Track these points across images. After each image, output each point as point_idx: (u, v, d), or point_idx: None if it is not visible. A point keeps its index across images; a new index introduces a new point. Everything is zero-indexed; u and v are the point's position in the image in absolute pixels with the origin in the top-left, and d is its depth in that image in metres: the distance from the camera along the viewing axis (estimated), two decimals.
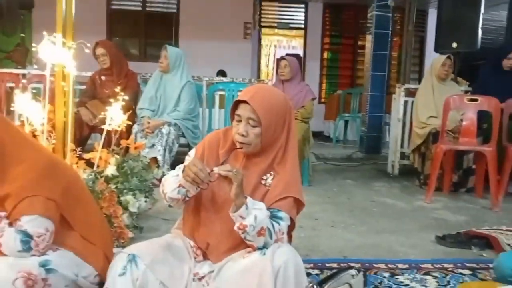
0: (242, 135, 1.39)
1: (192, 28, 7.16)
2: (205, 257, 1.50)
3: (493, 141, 3.28)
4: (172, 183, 1.41)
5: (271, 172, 1.45)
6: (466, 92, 4.34)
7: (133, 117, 3.46)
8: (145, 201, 2.28)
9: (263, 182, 1.45)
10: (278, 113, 1.43)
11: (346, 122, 7.43)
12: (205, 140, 1.55)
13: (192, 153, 1.54)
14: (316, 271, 1.87)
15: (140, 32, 7.46)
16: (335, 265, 1.96)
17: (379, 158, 5.38)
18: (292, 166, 1.47)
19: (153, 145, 3.32)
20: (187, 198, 1.41)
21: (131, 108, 3.61)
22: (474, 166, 3.64)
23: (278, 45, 9.24)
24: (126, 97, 2.38)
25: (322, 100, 8.40)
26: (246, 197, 1.30)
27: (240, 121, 1.40)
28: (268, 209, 1.39)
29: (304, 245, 2.26)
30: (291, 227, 1.48)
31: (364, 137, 5.76)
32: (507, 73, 3.81)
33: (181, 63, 3.56)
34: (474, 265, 2.03)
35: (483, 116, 3.53)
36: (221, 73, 6.50)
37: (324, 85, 8.58)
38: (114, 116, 2.30)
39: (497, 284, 1.65)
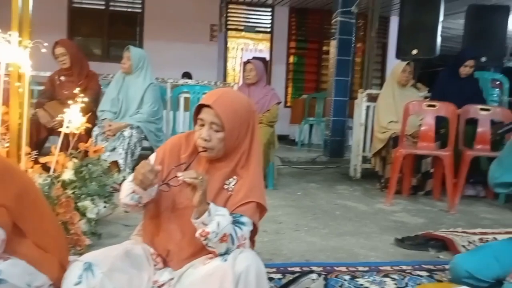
0: (205, 140, 1.37)
1: (157, 29, 7.07)
2: (166, 264, 1.47)
3: (450, 146, 3.41)
4: (126, 188, 1.38)
5: (234, 177, 1.44)
6: (426, 97, 4.49)
7: (93, 119, 3.37)
8: (104, 207, 2.22)
9: (225, 186, 1.44)
10: (242, 117, 1.42)
11: (311, 126, 7.53)
12: (166, 144, 1.52)
13: (152, 157, 1.51)
14: (279, 276, 1.87)
15: (103, 31, 7.29)
16: (297, 269, 1.96)
17: (342, 162, 5.48)
18: (255, 170, 1.46)
19: (114, 149, 3.23)
20: (140, 205, 1.38)
21: (91, 110, 3.51)
22: (432, 170, 3.77)
23: (245, 48, 9.25)
24: (86, 99, 2.31)
25: (288, 104, 8.49)
26: (208, 203, 1.28)
27: (203, 125, 1.38)
28: (230, 214, 1.38)
29: (267, 249, 2.26)
30: (253, 232, 1.47)
31: (328, 141, 5.85)
32: (464, 80, 3.96)
33: (144, 65, 3.49)
34: (431, 267, 2.09)
35: (441, 122, 3.66)
36: (186, 75, 6.44)
37: (290, 89, 8.68)
38: (73, 118, 2.22)
39: (452, 285, 1.70)
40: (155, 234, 1.45)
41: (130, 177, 1.40)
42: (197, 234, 1.28)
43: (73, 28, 7.15)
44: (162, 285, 1.42)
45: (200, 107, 1.40)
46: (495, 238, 2.49)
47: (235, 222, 1.36)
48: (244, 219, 1.37)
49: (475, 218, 3.15)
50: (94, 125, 3.35)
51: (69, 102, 2.31)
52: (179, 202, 1.42)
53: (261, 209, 1.47)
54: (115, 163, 3.17)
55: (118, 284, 1.35)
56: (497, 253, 1.77)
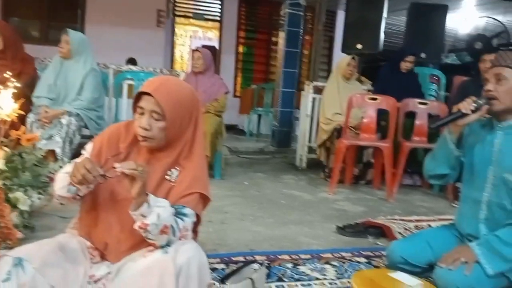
0: (145, 129, 1.32)
1: (100, 12, 6.75)
2: (103, 258, 1.41)
3: (390, 137, 3.56)
4: (62, 180, 1.31)
5: (177, 167, 1.41)
6: (369, 91, 4.65)
7: (28, 106, 3.16)
8: (39, 198, 2.09)
9: (167, 177, 1.40)
10: (185, 107, 1.38)
11: (260, 116, 7.58)
12: (104, 133, 1.45)
13: (88, 146, 1.43)
14: (222, 266, 1.87)
15: (42, 13, 6.86)
16: (241, 258, 1.97)
17: (289, 152, 5.56)
18: (198, 160, 1.44)
19: (51, 137, 3.06)
20: (78, 197, 1.32)
21: (26, 96, 3.30)
22: (372, 160, 3.92)
23: (193, 35, 9.08)
24: (19, 84, 2.16)
25: (237, 94, 8.47)
26: (147, 195, 1.24)
27: (143, 113, 1.33)
28: (172, 205, 1.35)
29: (211, 239, 2.25)
30: (196, 223, 1.45)
31: (276, 131, 5.92)
32: (404, 75, 4.13)
33: (84, 49, 3.31)
34: (369, 253, 2.18)
35: (382, 114, 3.80)
36: (131, 61, 6.21)
37: (239, 79, 8.65)
38: (4, 104, 2.07)
39: (388, 270, 1.78)
40: (92, 227, 1.39)
41: (66, 168, 1.33)
42: (135, 226, 1.23)
43: (9, 8, 6.65)
44: (99, 279, 1.37)
45: (140, 95, 1.34)
46: (429, 225, 2.64)
47: (177, 214, 1.33)
48: (187, 210, 1.35)
49: (411, 206, 3.32)
50: (29, 111, 3.14)
51: (0, 87, 2.15)
52: (117, 193, 1.37)
53: (205, 200, 1.45)
54: (52, 152, 3.00)
55: (51, 279, 1.29)
56: (430, 240, 1.87)
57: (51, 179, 2.35)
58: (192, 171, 1.40)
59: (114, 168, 1.20)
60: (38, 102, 3.23)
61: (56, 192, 1.32)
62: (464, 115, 1.71)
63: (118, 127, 1.46)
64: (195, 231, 1.53)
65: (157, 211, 1.23)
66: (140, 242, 1.34)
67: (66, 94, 3.26)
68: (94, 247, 1.41)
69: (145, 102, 1.32)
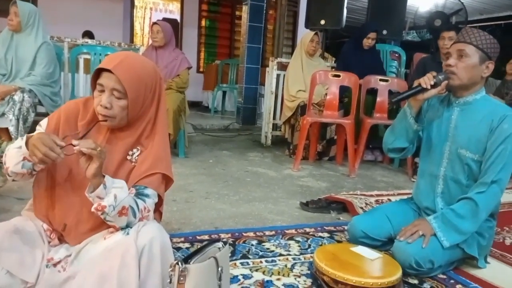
0: (106, 108, 1.26)
1: None
2: (62, 240, 1.37)
3: (352, 114, 3.61)
4: (14, 155, 1.23)
5: (138, 147, 1.37)
6: (333, 67, 4.68)
7: None
8: None
9: (129, 157, 1.36)
10: (147, 84, 1.33)
11: (224, 92, 7.50)
12: (60, 109, 1.37)
13: (44, 123, 1.35)
14: (187, 245, 1.86)
15: None
16: (206, 237, 1.97)
17: (254, 129, 5.56)
18: (161, 140, 1.40)
19: (3, 114, 2.89)
20: (34, 172, 1.24)
21: None
22: (335, 137, 3.98)
23: (154, 8, 8.77)
24: None
25: (201, 69, 8.32)
26: (104, 176, 1.19)
27: (103, 91, 1.27)
28: (134, 186, 1.31)
29: (176, 218, 2.23)
30: (159, 204, 1.42)
31: (241, 108, 5.89)
32: (367, 52, 4.16)
33: (35, 21, 3.10)
34: (332, 228, 2.23)
35: (344, 91, 3.84)
36: (87, 34, 5.94)
37: (202, 54, 8.49)
38: None
39: (350, 245, 1.83)
40: (50, 208, 1.34)
41: (17, 143, 1.25)
42: (93, 209, 1.20)
43: None
44: (58, 262, 1.33)
45: (100, 71, 1.28)
46: (389, 200, 2.72)
47: (139, 195, 1.30)
48: (149, 191, 1.32)
49: (372, 181, 3.41)
50: None
51: None
52: (76, 172, 1.32)
53: (167, 180, 1.42)
54: (4, 130, 2.85)
55: (7, 264, 1.24)
56: (389, 214, 1.93)
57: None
58: (154, 151, 1.37)
59: (72, 145, 1.15)
60: None
61: (9, 169, 1.24)
62: (423, 89, 1.75)
63: (76, 104, 1.39)
64: (158, 211, 1.50)
65: (113, 192, 1.19)
66: (100, 224, 1.31)
67: (18, 70, 3.07)
68: (51, 230, 1.36)
69: (105, 79, 1.26)
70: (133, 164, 1.36)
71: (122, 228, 1.30)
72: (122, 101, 1.27)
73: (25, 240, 1.30)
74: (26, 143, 1.20)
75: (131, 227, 1.26)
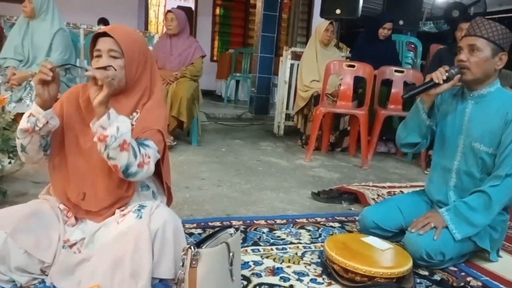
0: (105, 68, 1.32)
1: None
2: (78, 219, 1.40)
3: (366, 105, 3.58)
4: (23, 117, 1.31)
5: (138, 111, 1.43)
6: (347, 57, 4.63)
7: None
8: (9, 163, 2.03)
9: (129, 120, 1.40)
10: (140, 47, 1.41)
11: (238, 82, 7.49)
12: (63, 95, 1.44)
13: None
14: (199, 231, 1.88)
15: None
16: (217, 223, 2.00)
17: (267, 119, 5.56)
18: (158, 105, 1.45)
19: (20, 99, 2.94)
20: (37, 128, 1.28)
21: None
22: (349, 128, 3.96)
23: None
24: None
25: (214, 58, 8.31)
26: (109, 109, 1.24)
27: (100, 56, 1.34)
28: (135, 139, 1.34)
29: (188, 205, 2.26)
30: (159, 169, 1.45)
31: (254, 97, 5.88)
32: (382, 42, 4.12)
33: (49, 7, 3.11)
34: (343, 218, 2.23)
35: (359, 81, 3.81)
36: (103, 21, 5.97)
37: (216, 43, 8.47)
38: None
39: (361, 235, 1.83)
40: (66, 182, 1.40)
41: (28, 112, 1.32)
42: (95, 138, 1.23)
43: None
44: (74, 244, 1.37)
45: (95, 40, 1.36)
46: (401, 192, 2.70)
47: (139, 144, 1.33)
48: (149, 142, 1.36)
49: (385, 173, 3.39)
50: None
51: None
52: (83, 142, 1.39)
53: (165, 145, 1.45)
54: (22, 115, 2.89)
55: (25, 244, 1.29)
56: (401, 205, 1.93)
57: None
58: (153, 112, 1.42)
59: (87, 70, 1.23)
60: (5, 63, 3.08)
61: (19, 128, 1.31)
62: (436, 84, 1.73)
63: (75, 88, 1.48)
64: (168, 191, 1.54)
65: (116, 125, 1.23)
66: (117, 186, 1.36)
67: (35, 56, 3.11)
68: (68, 209, 1.40)
69: (101, 44, 1.34)
70: (132, 126, 1.39)
71: (134, 211, 1.34)
72: (119, 60, 1.35)
73: (42, 222, 1.35)
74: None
75: (130, 171, 1.27)
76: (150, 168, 1.32)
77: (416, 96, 1.82)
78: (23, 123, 1.29)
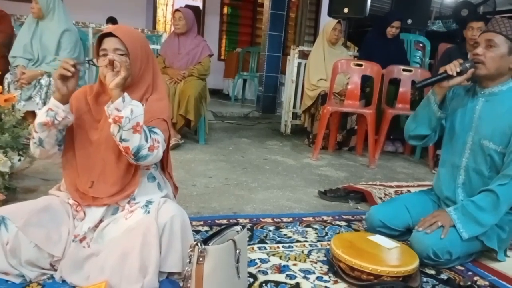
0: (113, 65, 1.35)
1: None
2: (89, 204, 1.42)
3: (373, 104, 3.57)
4: (41, 112, 1.35)
5: (143, 103, 1.44)
6: (355, 56, 4.62)
7: (5, 65, 3.06)
8: (20, 160, 2.06)
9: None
10: (142, 46, 1.47)
11: (245, 81, 7.50)
12: (72, 96, 1.45)
13: None
14: (206, 228, 1.90)
15: None
16: (224, 221, 2.01)
17: (274, 118, 5.56)
18: (161, 98, 1.51)
19: (30, 98, 2.98)
20: (56, 122, 1.33)
21: (2, 55, 3.18)
22: (356, 127, 3.95)
23: None
24: None
25: (222, 57, 8.32)
26: (123, 93, 1.29)
27: (106, 55, 1.38)
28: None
29: (195, 203, 2.27)
30: (165, 158, 1.51)
31: (261, 96, 5.88)
32: (390, 41, 4.10)
33: (55, 6, 3.14)
34: (349, 217, 2.23)
35: (366, 80, 3.80)
36: (111, 20, 6.02)
37: (223, 42, 8.48)
38: None
39: (367, 234, 1.83)
40: (76, 174, 1.44)
41: (46, 106, 1.37)
42: (110, 119, 1.27)
43: None
44: (84, 238, 1.39)
45: (101, 40, 1.41)
46: (408, 191, 2.70)
47: (149, 130, 1.37)
48: (156, 129, 1.40)
49: (392, 172, 3.38)
50: (6, 71, 3.04)
51: None
52: (92, 135, 1.44)
53: (168, 134, 1.48)
54: (31, 113, 2.93)
55: (35, 238, 1.31)
56: (408, 204, 1.92)
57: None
58: (157, 103, 1.47)
59: (105, 55, 1.32)
60: (14, 62, 3.12)
61: (36, 122, 1.34)
62: (449, 76, 1.73)
63: (83, 88, 1.53)
64: (166, 171, 1.58)
65: (130, 107, 1.27)
66: (123, 174, 1.40)
67: (44, 55, 3.14)
68: (77, 203, 1.42)
69: (107, 43, 1.39)
70: None
71: (142, 207, 1.36)
72: (125, 57, 1.39)
73: (52, 217, 1.37)
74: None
75: (140, 154, 1.30)
76: (159, 152, 1.37)
77: (429, 86, 1.82)
78: (42, 117, 1.33)
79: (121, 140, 1.28)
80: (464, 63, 1.72)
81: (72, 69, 1.29)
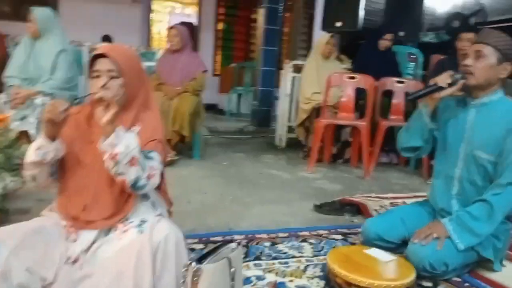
0: (104, 88, 1.34)
1: None
2: (81, 228, 1.40)
3: (367, 116, 3.59)
4: (31, 149, 1.34)
5: (138, 124, 1.45)
6: (349, 69, 4.65)
7: None
8: (12, 181, 2.05)
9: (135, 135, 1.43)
10: (136, 64, 1.46)
11: (240, 95, 7.53)
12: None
13: None
14: (201, 246, 1.89)
15: None
16: (219, 238, 2.00)
17: (269, 131, 5.57)
18: (155, 116, 1.49)
19: (24, 117, 2.97)
20: (45, 161, 1.33)
21: None
22: (350, 139, 3.96)
23: (171, 11, 8.87)
24: None
25: (217, 72, 8.37)
26: (116, 126, 1.27)
27: (99, 76, 1.37)
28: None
29: (190, 220, 2.26)
30: (162, 181, 1.48)
31: (256, 110, 5.90)
32: (383, 53, 4.13)
33: (52, 26, 3.16)
34: (345, 231, 2.22)
35: (360, 93, 3.82)
36: (106, 38, 6.05)
37: (218, 57, 8.53)
38: None
39: (363, 247, 1.82)
40: (69, 197, 1.42)
41: (35, 144, 1.35)
42: (105, 158, 1.26)
43: None
44: (76, 260, 1.37)
45: (93, 61, 1.39)
46: (404, 202, 2.70)
47: (145, 157, 1.35)
48: (152, 154, 1.38)
49: (387, 183, 3.38)
50: (0, 91, 3.04)
51: None
52: (85, 158, 1.42)
53: (164, 154, 1.48)
54: (25, 133, 2.92)
55: (27, 262, 1.29)
56: (403, 216, 1.92)
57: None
58: (151, 123, 1.45)
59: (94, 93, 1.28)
60: (9, 82, 3.13)
61: (26, 161, 1.33)
62: (440, 88, 1.75)
63: (76, 109, 1.49)
64: (167, 198, 1.56)
65: (125, 141, 1.26)
66: (117, 197, 1.38)
67: (39, 75, 3.14)
68: (70, 224, 1.40)
69: (99, 65, 1.37)
70: None
71: (136, 226, 1.35)
72: (118, 79, 1.38)
73: (45, 239, 1.35)
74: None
75: (138, 185, 1.29)
76: (157, 179, 1.36)
77: (420, 98, 1.83)
78: (32, 157, 1.32)
79: (118, 174, 1.27)
80: (455, 75, 1.74)
81: (62, 116, 1.27)
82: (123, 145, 1.24)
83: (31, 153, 1.32)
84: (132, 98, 1.44)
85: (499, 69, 1.72)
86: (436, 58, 4.25)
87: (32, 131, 2.95)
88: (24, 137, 2.78)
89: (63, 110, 1.27)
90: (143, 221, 1.40)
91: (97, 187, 1.39)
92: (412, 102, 1.90)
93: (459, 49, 3.44)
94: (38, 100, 3.02)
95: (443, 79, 1.74)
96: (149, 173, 1.31)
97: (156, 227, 1.36)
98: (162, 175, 1.53)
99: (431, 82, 1.78)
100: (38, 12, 3.14)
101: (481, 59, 1.72)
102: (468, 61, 1.74)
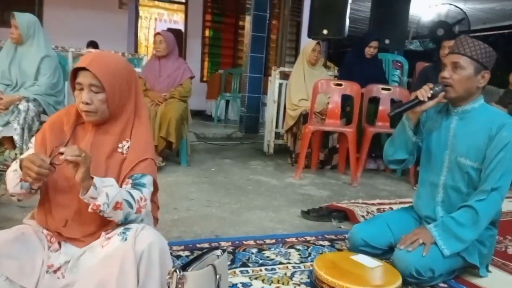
0: (87, 103, 1.32)
1: None
2: (62, 239, 1.38)
3: (354, 123, 3.61)
4: (12, 177, 1.31)
5: (127, 139, 1.42)
6: (336, 76, 4.69)
7: None
8: None
9: (119, 150, 1.41)
10: (122, 76, 1.39)
11: (228, 101, 7.53)
12: (45, 124, 1.44)
13: (33, 140, 1.42)
14: (187, 253, 1.86)
15: None
16: (206, 245, 1.98)
17: (256, 138, 5.57)
18: (146, 130, 1.46)
19: (8, 123, 2.92)
20: (33, 191, 1.31)
21: None
22: (338, 145, 3.98)
23: (158, 18, 8.86)
24: None
25: (204, 79, 8.36)
26: (93, 178, 1.24)
27: (82, 89, 1.34)
28: (130, 176, 1.35)
29: (177, 227, 2.24)
30: (154, 192, 1.46)
31: (244, 117, 5.90)
32: (369, 61, 4.18)
33: (35, 31, 3.11)
34: (332, 237, 2.22)
35: (346, 100, 3.85)
36: (92, 44, 6.01)
37: (206, 64, 8.53)
38: None
39: (350, 253, 1.82)
40: (48, 210, 1.39)
41: (13, 166, 1.32)
42: (90, 209, 1.24)
43: None
44: (58, 269, 1.34)
45: (76, 72, 1.35)
46: (391, 208, 2.71)
47: (135, 185, 1.34)
48: (145, 179, 1.36)
49: (374, 189, 3.40)
50: None
51: None
52: (67, 172, 1.34)
53: (156, 171, 1.46)
54: (9, 139, 2.87)
55: (7, 271, 1.26)
56: (390, 222, 1.92)
57: (8, 167, 2.25)
58: (142, 139, 1.42)
59: (60, 154, 1.21)
60: None
61: (10, 191, 1.31)
62: (421, 102, 1.76)
63: (58, 114, 1.47)
64: (155, 204, 1.55)
65: (105, 191, 1.23)
66: (100, 215, 1.33)
67: (23, 81, 3.10)
68: (51, 234, 1.38)
69: (82, 77, 1.33)
70: (124, 155, 1.39)
71: (119, 233, 1.32)
72: (100, 94, 1.33)
73: (26, 247, 1.32)
74: (20, 167, 1.26)
75: (129, 229, 1.28)
76: (148, 208, 1.35)
77: (402, 114, 1.84)
78: (16, 189, 1.31)
79: (106, 216, 1.26)
80: (435, 87, 1.75)
81: (39, 184, 1.27)
82: (103, 195, 1.23)
83: (13, 185, 1.30)
84: (118, 110, 1.40)
85: (477, 78, 1.74)
86: (420, 65, 4.31)
87: (16, 137, 2.90)
88: (8, 142, 2.73)
89: (49, 168, 1.21)
90: (127, 229, 1.37)
91: (80, 202, 1.33)
92: (394, 117, 1.91)
93: (442, 57, 3.50)
94: (22, 105, 2.97)
95: (423, 93, 1.75)
96: (139, 206, 1.30)
97: (140, 235, 1.33)
98: (154, 184, 1.49)
99: (412, 96, 1.80)
100: (21, 18, 3.10)
101: (458, 70, 1.73)
102: (446, 73, 1.75)
